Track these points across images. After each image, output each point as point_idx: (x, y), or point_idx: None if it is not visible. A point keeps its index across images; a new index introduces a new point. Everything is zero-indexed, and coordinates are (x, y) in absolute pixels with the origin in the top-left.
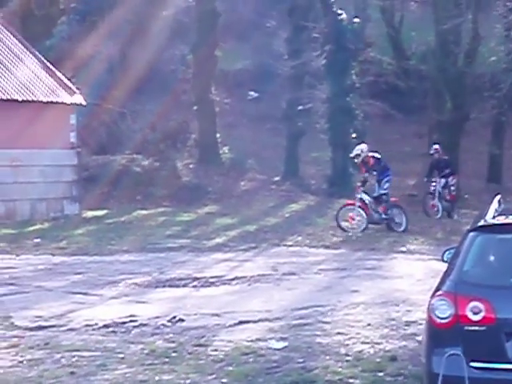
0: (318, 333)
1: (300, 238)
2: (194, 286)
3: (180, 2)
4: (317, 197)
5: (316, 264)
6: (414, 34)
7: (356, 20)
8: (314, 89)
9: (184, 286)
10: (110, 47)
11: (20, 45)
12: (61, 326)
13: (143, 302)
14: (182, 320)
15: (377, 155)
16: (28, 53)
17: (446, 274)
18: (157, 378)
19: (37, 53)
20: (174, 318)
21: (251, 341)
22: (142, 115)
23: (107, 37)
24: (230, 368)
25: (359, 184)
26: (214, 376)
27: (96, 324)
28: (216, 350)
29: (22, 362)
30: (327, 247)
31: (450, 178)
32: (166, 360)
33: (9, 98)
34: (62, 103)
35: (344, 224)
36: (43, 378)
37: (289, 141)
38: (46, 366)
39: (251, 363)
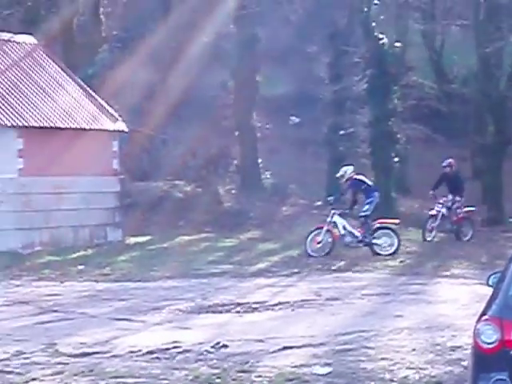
0: (363, 358)
1: (343, 263)
2: (237, 312)
3: (220, 28)
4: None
5: (359, 289)
6: (456, 58)
7: (397, 44)
8: (356, 113)
9: (227, 311)
10: (151, 74)
11: (62, 72)
12: (105, 352)
13: (187, 328)
14: (226, 346)
15: (359, 177)
16: (70, 80)
17: (492, 298)
18: None
19: (79, 80)
20: (218, 343)
21: (295, 366)
22: (183, 141)
23: (148, 63)
24: None
25: (333, 206)
26: None
27: (140, 350)
28: (260, 376)
29: None
30: (370, 272)
31: (457, 197)
32: None
33: (51, 125)
34: (104, 130)
35: (308, 248)
36: None
37: (330, 165)
38: None
39: None
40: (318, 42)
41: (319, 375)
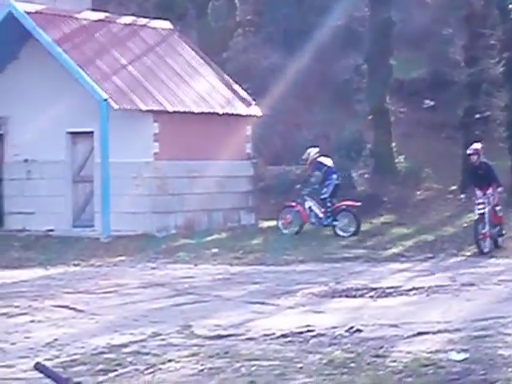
0: (500, 344)
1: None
2: (371, 297)
3: (354, 11)
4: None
5: (496, 274)
6: None
7: None
8: (492, 96)
9: (360, 296)
10: (285, 58)
11: (197, 57)
12: (239, 335)
13: (320, 312)
14: (360, 330)
15: (321, 160)
16: (205, 65)
17: None
18: None
19: (214, 65)
20: (352, 328)
21: (430, 352)
22: (316, 125)
23: (281, 47)
24: (410, 379)
25: (301, 187)
26: None
27: (274, 333)
28: (395, 361)
29: (202, 370)
30: (507, 258)
31: (489, 191)
32: (345, 370)
33: (186, 109)
34: (239, 115)
35: (280, 224)
36: None
37: (466, 150)
38: (226, 375)
39: (431, 375)
40: (453, 24)
41: (455, 361)
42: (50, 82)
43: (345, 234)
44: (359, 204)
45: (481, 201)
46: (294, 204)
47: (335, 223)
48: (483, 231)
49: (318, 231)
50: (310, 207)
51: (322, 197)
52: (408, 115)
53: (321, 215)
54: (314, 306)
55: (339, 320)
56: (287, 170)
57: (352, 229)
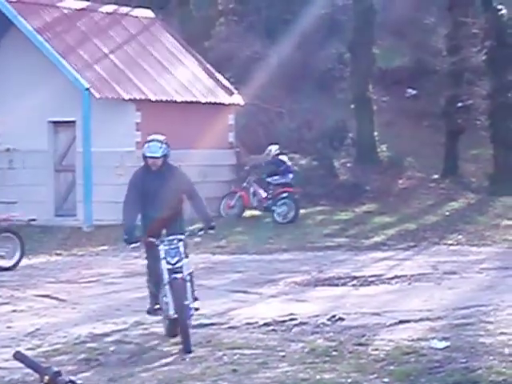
0: (481, 333)
1: (460, 237)
2: (353, 285)
3: (337, 1)
4: (477, 195)
5: (477, 263)
6: None
7: None
8: (474, 85)
9: (343, 284)
10: (267, 46)
11: (179, 46)
12: (222, 323)
13: (303, 301)
14: (342, 319)
15: (282, 158)
16: (187, 53)
17: None
18: (318, 376)
19: (196, 54)
20: (334, 316)
21: (412, 340)
22: (299, 114)
23: (264, 36)
24: (392, 367)
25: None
26: (375, 375)
27: (256, 322)
28: (377, 350)
29: (184, 359)
30: (488, 246)
31: None
32: (327, 359)
33: (169, 98)
34: (221, 104)
35: (222, 208)
36: (205, 375)
37: (448, 138)
38: (208, 364)
39: (413, 363)
40: (435, 13)
41: (437, 349)
42: (31, 71)
43: (283, 221)
44: (300, 190)
45: None
46: (237, 190)
47: (274, 208)
48: None
49: (302, 221)
50: (253, 192)
51: (269, 180)
52: (390, 104)
53: (264, 197)
54: (296, 295)
55: (322, 308)
56: None
57: (290, 216)
